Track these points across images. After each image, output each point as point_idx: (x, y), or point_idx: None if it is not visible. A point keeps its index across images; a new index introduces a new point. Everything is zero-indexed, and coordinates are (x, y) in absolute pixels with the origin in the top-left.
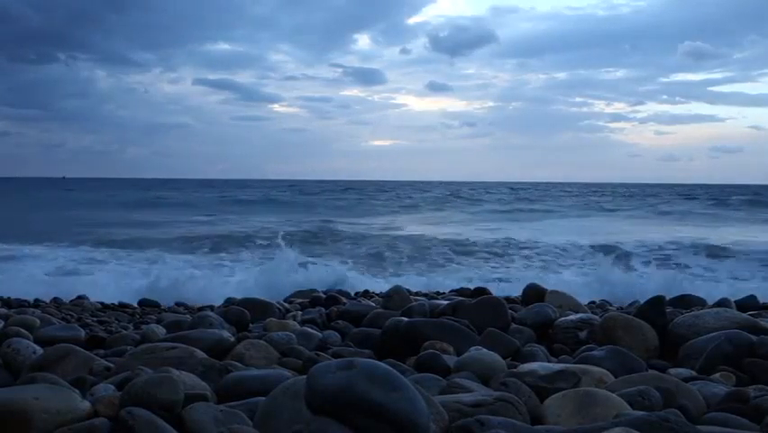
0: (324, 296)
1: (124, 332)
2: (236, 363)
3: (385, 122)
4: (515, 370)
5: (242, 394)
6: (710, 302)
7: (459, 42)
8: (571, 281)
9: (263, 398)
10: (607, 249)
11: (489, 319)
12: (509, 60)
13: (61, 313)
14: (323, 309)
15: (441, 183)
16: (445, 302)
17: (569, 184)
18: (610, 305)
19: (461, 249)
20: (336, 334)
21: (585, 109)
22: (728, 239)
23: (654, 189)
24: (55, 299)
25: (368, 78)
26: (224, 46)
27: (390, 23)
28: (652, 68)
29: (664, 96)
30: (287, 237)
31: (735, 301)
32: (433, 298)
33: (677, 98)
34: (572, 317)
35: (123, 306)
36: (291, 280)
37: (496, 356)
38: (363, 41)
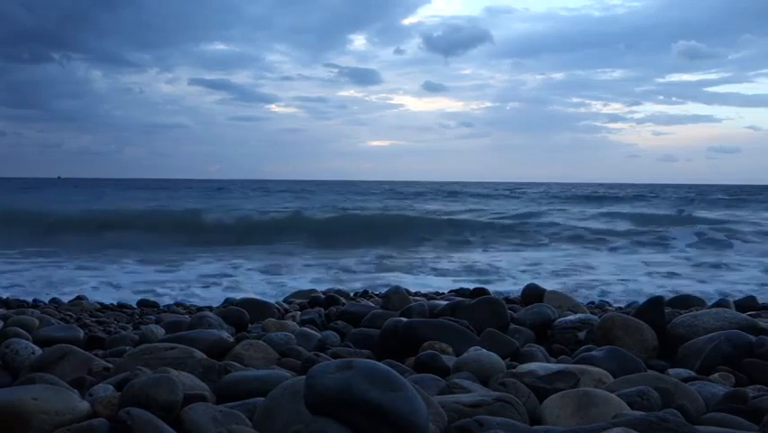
0: (323, 296)
1: (123, 332)
2: (235, 364)
3: (382, 122)
4: (514, 370)
5: (241, 395)
6: (709, 302)
7: (453, 42)
8: None
9: (262, 398)
10: None
11: (488, 320)
12: (505, 61)
13: (60, 313)
14: (322, 310)
15: (432, 183)
16: (444, 302)
17: (568, 184)
18: (609, 305)
19: None
20: (335, 334)
21: (582, 110)
22: None
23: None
24: (54, 300)
25: (364, 78)
26: (220, 46)
27: (386, 24)
28: (648, 68)
29: (661, 97)
30: None
31: (734, 302)
32: (432, 298)
33: (673, 99)
34: (571, 317)
35: (121, 306)
36: None
37: (495, 357)
38: (359, 41)
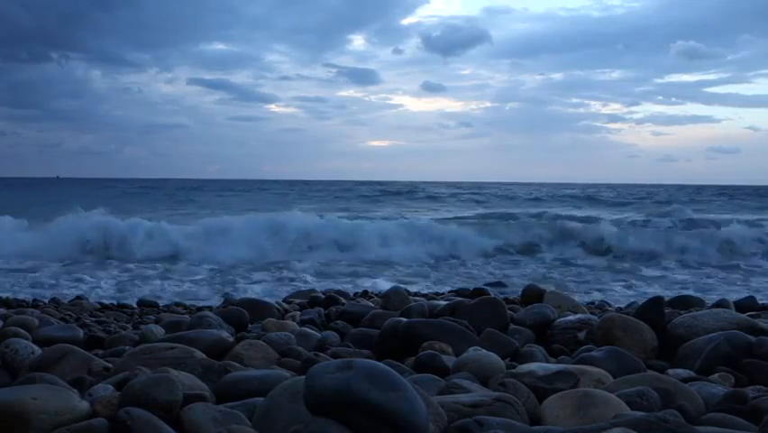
0: (323, 296)
1: (123, 332)
2: (235, 364)
3: (381, 122)
4: (513, 370)
5: (241, 395)
6: (709, 303)
7: (452, 43)
8: None
9: (262, 398)
10: None
11: (487, 320)
12: (504, 61)
13: (60, 313)
14: (321, 310)
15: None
16: (444, 303)
17: (568, 184)
18: (609, 305)
19: None
20: (335, 334)
21: (581, 110)
22: None
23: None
24: (54, 300)
25: (363, 78)
26: (219, 46)
27: (385, 24)
28: (647, 68)
29: (660, 97)
30: None
31: (733, 302)
32: (432, 298)
33: (673, 99)
34: (571, 317)
35: (121, 306)
36: None
37: (495, 357)
38: (358, 41)
